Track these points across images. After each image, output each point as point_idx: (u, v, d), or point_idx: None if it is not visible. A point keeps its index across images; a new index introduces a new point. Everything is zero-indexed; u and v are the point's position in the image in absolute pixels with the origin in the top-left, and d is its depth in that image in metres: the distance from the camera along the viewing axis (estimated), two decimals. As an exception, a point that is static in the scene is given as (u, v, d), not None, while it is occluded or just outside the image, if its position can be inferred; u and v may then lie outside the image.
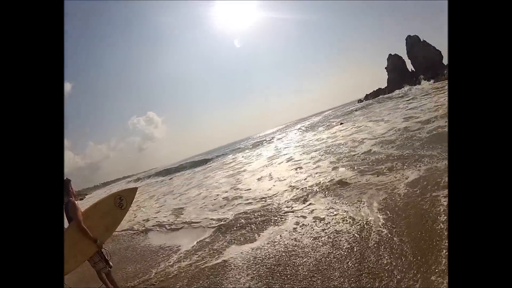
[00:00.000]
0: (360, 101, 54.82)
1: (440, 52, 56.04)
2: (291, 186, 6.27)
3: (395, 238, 2.89)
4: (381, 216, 3.45)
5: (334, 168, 6.57)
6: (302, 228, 3.86)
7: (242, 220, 5.03)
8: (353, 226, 3.42)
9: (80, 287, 4.04)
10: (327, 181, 5.69)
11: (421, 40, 59.37)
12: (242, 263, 3.42)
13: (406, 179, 4.38)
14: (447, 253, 2.34)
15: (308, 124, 27.75)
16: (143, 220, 7.84)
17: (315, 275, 2.71)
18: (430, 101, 14.37)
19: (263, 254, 3.49)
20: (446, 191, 3.48)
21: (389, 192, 4.10)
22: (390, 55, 62.69)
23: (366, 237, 3.07)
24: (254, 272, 3.11)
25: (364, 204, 4.00)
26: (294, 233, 3.78)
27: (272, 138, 26.61)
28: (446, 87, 20.82)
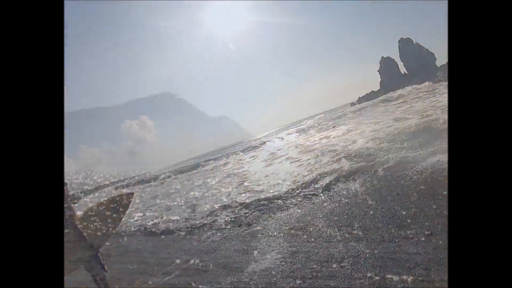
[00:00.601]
0: (352, 104, 55.15)
1: (433, 54, 56.70)
2: (297, 177, 7.30)
3: (371, 197, 4.71)
4: (365, 186, 5.34)
5: (332, 162, 7.74)
6: (315, 198, 5.53)
7: (260, 203, 6.05)
8: (347, 192, 5.27)
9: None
10: (326, 170, 6.99)
11: (414, 43, 60.02)
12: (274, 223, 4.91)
13: (387, 163, 6.08)
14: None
15: (303, 127, 27.90)
16: (156, 218, 7.87)
17: (327, 216, 4.45)
18: (421, 104, 14.71)
19: (289, 215, 5.05)
20: (409, 172, 5.13)
21: (371, 174, 5.86)
22: (382, 57, 63.41)
23: (355, 196, 4.96)
24: (286, 226, 4.62)
25: (355, 180, 5.76)
26: (309, 200, 5.49)
27: (268, 140, 26.61)
28: (437, 90, 21.24)
